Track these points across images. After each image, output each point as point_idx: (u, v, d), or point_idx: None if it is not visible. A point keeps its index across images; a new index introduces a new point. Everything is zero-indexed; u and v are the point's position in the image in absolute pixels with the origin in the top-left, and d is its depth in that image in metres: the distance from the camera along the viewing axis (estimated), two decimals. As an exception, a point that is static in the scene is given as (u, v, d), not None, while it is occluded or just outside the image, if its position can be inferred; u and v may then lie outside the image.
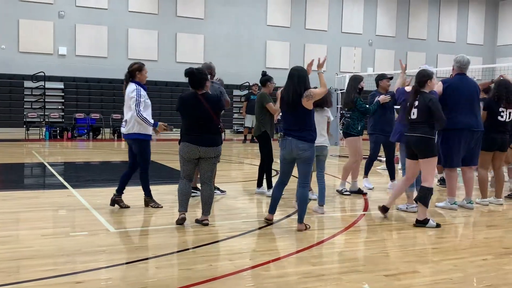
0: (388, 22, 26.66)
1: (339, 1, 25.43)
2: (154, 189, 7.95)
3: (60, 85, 20.40)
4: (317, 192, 6.79)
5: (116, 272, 4.30)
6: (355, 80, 7.96)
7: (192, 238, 5.37)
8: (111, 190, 7.46)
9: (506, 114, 7.20)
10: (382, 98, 7.96)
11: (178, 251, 4.89)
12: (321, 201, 6.64)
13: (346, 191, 7.97)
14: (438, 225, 6.03)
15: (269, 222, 5.95)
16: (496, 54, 27.65)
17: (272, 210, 5.95)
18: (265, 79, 7.95)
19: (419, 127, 6.07)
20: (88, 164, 12.27)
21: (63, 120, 20.17)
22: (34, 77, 19.52)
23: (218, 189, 7.83)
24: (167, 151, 14.43)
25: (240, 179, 9.83)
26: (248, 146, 16.95)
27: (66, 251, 4.88)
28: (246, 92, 22.49)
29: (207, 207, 5.88)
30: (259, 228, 5.86)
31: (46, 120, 19.29)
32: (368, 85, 10.52)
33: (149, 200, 6.79)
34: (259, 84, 8.21)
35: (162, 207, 6.71)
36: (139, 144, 6.57)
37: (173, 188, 8.09)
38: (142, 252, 4.85)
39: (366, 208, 7.11)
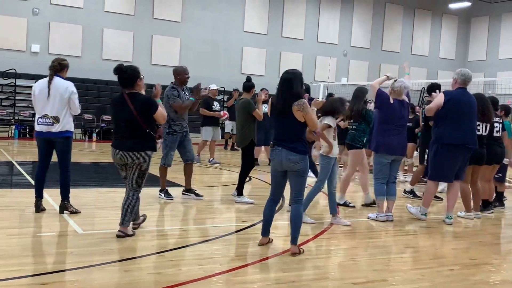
0: (363, 33, 27.01)
1: (316, 11, 25.67)
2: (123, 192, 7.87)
3: (32, 83, 19.83)
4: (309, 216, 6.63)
5: (82, 275, 4.22)
6: (361, 91, 7.86)
7: (161, 242, 5.31)
8: (81, 191, 7.35)
9: (483, 128, 7.35)
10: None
11: (146, 255, 4.82)
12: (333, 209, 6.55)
13: (350, 202, 7.82)
14: None
15: (263, 245, 5.29)
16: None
17: (265, 232, 5.31)
18: (251, 85, 7.83)
19: None
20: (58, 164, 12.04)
21: (33, 118, 19.77)
22: (4, 74, 19.12)
23: (194, 192, 7.71)
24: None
25: (212, 184, 9.78)
26: (223, 152, 16.89)
27: (32, 251, 4.77)
28: (220, 97, 22.50)
29: (123, 217, 5.31)
30: (230, 234, 5.84)
31: (16, 118, 18.90)
32: (344, 95, 10.41)
33: (68, 204, 6.27)
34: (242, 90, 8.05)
35: (80, 212, 6.30)
36: (68, 141, 6.23)
37: (142, 191, 8.01)
38: (110, 255, 4.77)
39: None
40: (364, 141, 7.83)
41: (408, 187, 9.23)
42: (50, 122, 6.06)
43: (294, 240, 5.04)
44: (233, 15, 23.61)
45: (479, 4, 28.27)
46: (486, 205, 7.93)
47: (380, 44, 27.49)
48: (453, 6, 27.90)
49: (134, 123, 5.19)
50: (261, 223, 5.40)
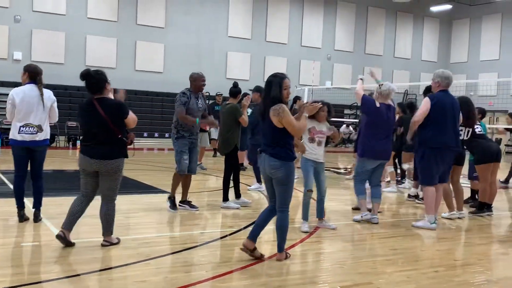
0: (346, 37, 27.18)
1: (299, 15, 25.78)
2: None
3: (14, 91, 19.80)
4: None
5: (67, 284, 4.19)
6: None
7: (146, 250, 5.28)
8: (65, 200, 7.25)
9: (465, 132, 7.46)
10: None
11: (132, 263, 4.79)
12: (320, 214, 6.57)
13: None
14: None
15: (246, 251, 5.02)
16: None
17: (251, 235, 5.04)
18: (238, 90, 7.81)
19: None
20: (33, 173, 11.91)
21: (16, 126, 19.57)
22: (-14, 82, 18.93)
23: (189, 204, 7.38)
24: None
25: (199, 190, 9.75)
26: (209, 158, 16.83)
27: (16, 261, 4.71)
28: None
29: (105, 227, 5.28)
30: (216, 240, 5.82)
31: (-1, 126, 18.67)
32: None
33: (39, 212, 6.22)
34: (227, 95, 8.01)
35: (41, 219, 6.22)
36: (46, 149, 6.21)
37: (127, 199, 7.97)
38: (95, 263, 4.73)
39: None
40: None
41: (412, 191, 9.19)
42: (35, 131, 5.98)
43: (280, 248, 5.00)
44: (217, 20, 23.62)
45: (460, 7, 28.61)
46: (488, 207, 7.98)
47: (363, 48, 27.68)
48: (434, 8, 28.20)
49: (105, 129, 5.06)
50: (247, 228, 5.39)
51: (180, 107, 7.04)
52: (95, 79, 5.08)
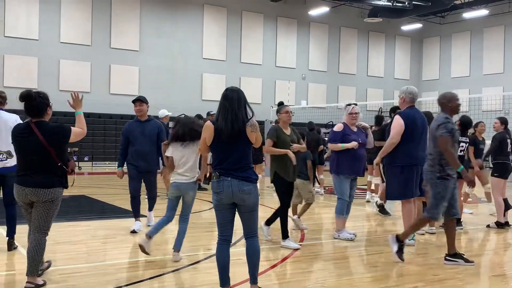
0: (320, 57, 27.53)
1: (273, 36, 26.05)
2: (86, 225, 7.72)
3: (-14, 117, 19.48)
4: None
5: (44, 314, 4.08)
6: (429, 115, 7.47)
7: (126, 275, 5.20)
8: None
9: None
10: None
11: (111, 289, 4.71)
12: (178, 246, 5.86)
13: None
14: None
15: None
16: (422, 89, 29.07)
17: (224, 282, 4.39)
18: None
19: None
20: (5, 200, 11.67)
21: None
22: (-43, 109, 18.58)
23: (462, 257, 5.97)
24: (99, 185, 14.02)
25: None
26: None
27: (-10, 292, 4.58)
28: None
29: (31, 265, 4.59)
30: (196, 262, 5.77)
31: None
32: (300, 117, 10.43)
33: (13, 240, 6.03)
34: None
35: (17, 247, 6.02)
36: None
37: (104, 224, 7.86)
38: (72, 291, 4.64)
39: (302, 239, 7.17)
40: None
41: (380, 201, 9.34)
42: (4, 157, 5.85)
43: (254, 279, 4.39)
44: (191, 43, 23.71)
45: (430, 25, 29.29)
46: (457, 221, 8.05)
47: (337, 67, 28.06)
48: (405, 28, 28.80)
49: (44, 156, 4.58)
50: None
51: (447, 137, 5.66)
52: (36, 101, 4.65)
